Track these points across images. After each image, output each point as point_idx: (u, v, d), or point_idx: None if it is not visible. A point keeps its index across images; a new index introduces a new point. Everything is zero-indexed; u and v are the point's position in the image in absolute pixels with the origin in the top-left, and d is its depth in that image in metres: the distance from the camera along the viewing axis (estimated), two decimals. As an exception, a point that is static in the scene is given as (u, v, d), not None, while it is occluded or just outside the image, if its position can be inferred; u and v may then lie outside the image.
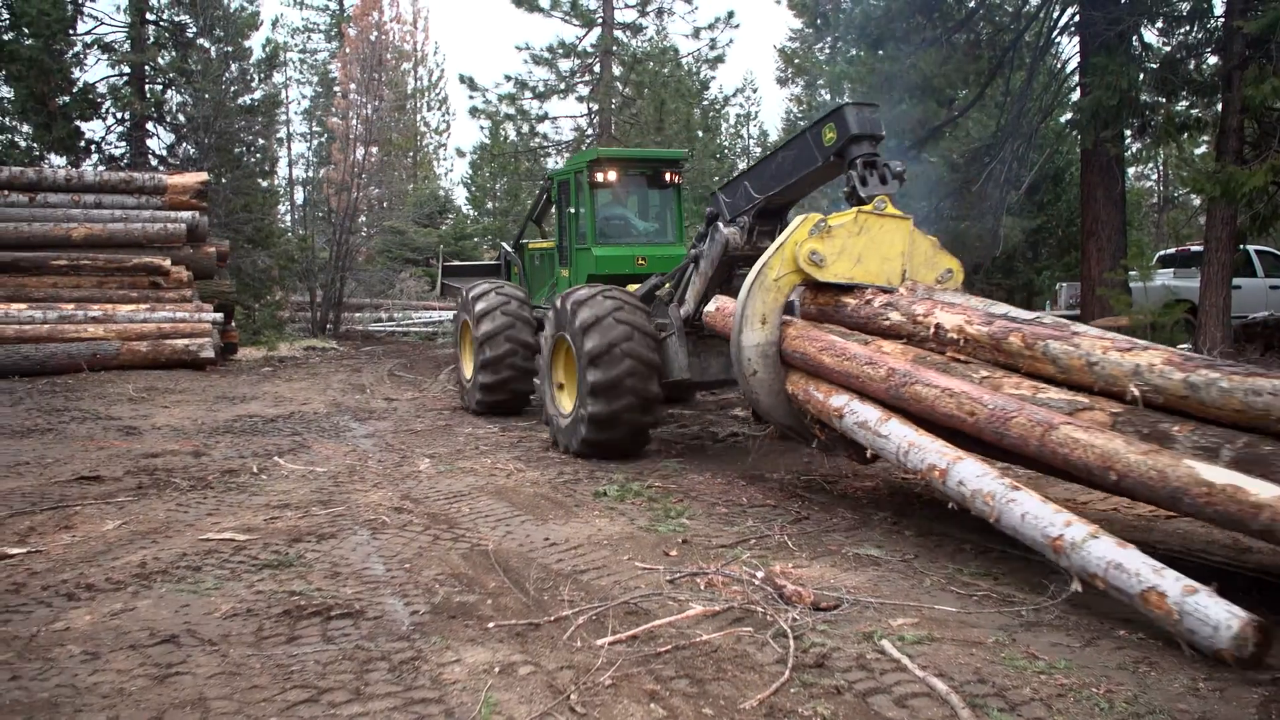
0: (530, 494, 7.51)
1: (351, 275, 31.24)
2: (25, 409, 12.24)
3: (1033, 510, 4.95)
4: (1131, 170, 30.69)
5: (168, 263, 17.97)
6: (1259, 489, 4.20)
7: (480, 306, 11.92)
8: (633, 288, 10.09)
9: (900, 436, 6.05)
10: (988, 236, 19.09)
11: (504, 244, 14.96)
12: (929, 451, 5.78)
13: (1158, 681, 3.84)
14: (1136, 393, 5.12)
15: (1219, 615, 4.05)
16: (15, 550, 5.81)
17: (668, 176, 11.81)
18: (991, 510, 5.20)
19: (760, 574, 5.11)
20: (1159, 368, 5.04)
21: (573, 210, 11.61)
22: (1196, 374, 4.84)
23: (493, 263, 15.78)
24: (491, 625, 4.49)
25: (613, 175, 11.41)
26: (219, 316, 18.43)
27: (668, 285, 9.88)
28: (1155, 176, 38.57)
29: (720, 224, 9.01)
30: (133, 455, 9.12)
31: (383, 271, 34.47)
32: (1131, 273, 15.38)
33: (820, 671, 3.90)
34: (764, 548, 5.91)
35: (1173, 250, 21.16)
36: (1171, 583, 4.24)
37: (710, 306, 8.87)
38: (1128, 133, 15.56)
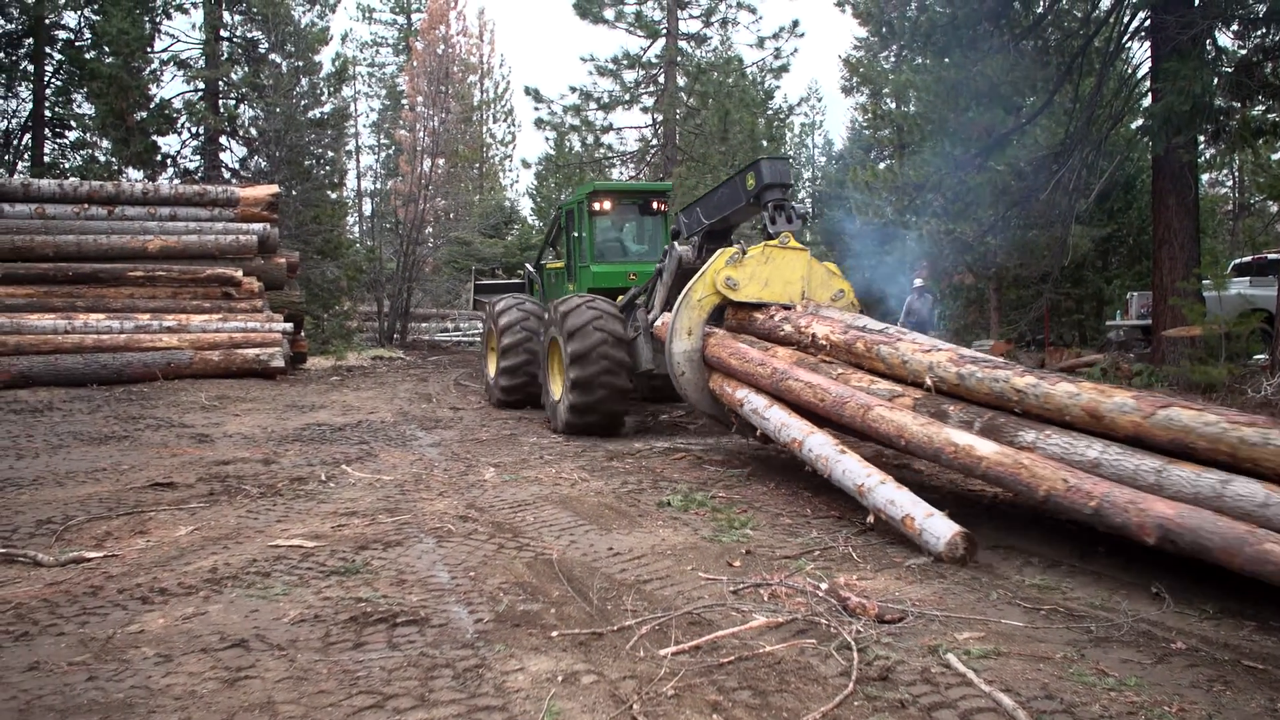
0: (594, 504, 7.52)
1: (418, 285, 31.65)
2: (103, 416, 12.56)
3: (850, 467, 6.64)
4: (1205, 177, 30.02)
5: (239, 274, 18.37)
6: (984, 447, 5.98)
7: (503, 320, 13.62)
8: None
9: (777, 419, 7.93)
10: (1056, 245, 18.79)
11: (527, 264, 16.64)
12: (794, 429, 7.61)
13: (1233, 701, 3.73)
14: (930, 383, 6.93)
15: (941, 529, 5.65)
16: (93, 554, 5.95)
17: (656, 205, 13.71)
18: (826, 468, 6.91)
19: (824, 585, 5.08)
20: (943, 364, 6.80)
21: (577, 234, 13.30)
22: (964, 368, 6.59)
23: (519, 281, 17.50)
24: (555, 634, 4.50)
25: (608, 205, 13.26)
26: (289, 326, 18.78)
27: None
28: (1230, 183, 37.69)
29: (676, 242, 10.89)
30: (205, 462, 9.30)
31: (449, 282, 34.87)
32: (1205, 281, 15.03)
33: (884, 685, 3.85)
34: (828, 559, 5.86)
35: (1248, 258, 20.62)
36: (920, 509, 5.87)
37: (657, 321, 10.62)
38: (1201, 138, 15.20)
